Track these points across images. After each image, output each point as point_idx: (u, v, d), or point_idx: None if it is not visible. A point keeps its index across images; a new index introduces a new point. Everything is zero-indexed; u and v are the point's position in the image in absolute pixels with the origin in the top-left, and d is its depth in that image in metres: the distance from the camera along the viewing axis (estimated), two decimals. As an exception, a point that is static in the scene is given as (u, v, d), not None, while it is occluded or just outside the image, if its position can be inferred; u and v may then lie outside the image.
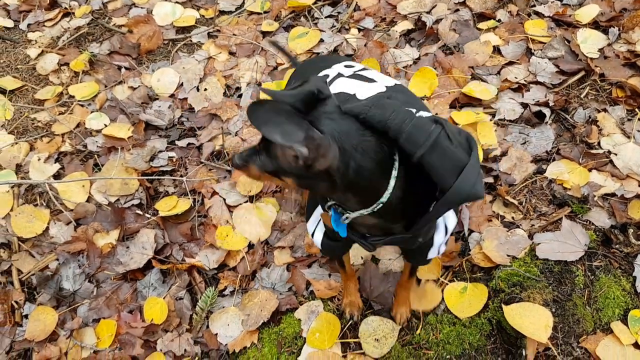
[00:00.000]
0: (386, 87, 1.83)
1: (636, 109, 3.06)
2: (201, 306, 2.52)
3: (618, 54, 3.33)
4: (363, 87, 1.85)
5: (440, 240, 1.82)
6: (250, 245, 2.74)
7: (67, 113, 3.30)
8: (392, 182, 1.36)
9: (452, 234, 1.85)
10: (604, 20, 3.53)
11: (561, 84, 3.23)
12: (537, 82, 3.25)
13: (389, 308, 2.43)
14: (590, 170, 2.82)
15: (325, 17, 3.74)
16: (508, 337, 2.29)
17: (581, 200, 2.69)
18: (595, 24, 3.54)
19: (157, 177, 2.99)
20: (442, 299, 2.42)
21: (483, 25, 3.62)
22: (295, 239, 2.73)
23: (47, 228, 2.86)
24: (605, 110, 3.07)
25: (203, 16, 3.88)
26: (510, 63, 3.39)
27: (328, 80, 1.95)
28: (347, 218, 1.54)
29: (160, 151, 3.13)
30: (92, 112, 3.32)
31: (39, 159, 3.06)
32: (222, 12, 3.85)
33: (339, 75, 1.95)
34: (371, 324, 2.37)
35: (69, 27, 3.78)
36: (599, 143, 2.94)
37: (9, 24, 3.93)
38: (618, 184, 2.76)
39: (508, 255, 2.50)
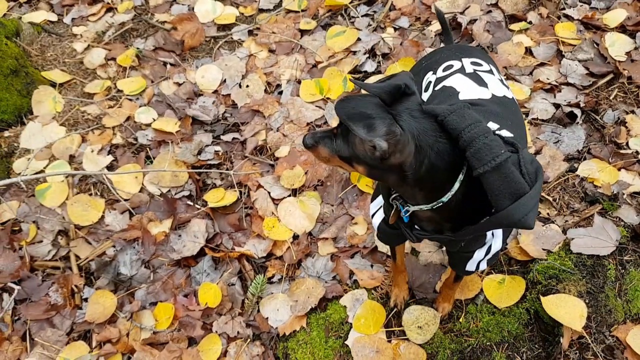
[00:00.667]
0: (492, 94, 1.94)
1: (664, 112, 3.19)
2: (252, 292, 2.68)
3: (646, 57, 3.46)
4: (471, 88, 1.96)
5: (480, 257, 1.94)
6: (295, 236, 2.90)
7: (116, 107, 3.46)
8: (456, 185, 1.48)
9: (494, 256, 1.98)
10: (631, 24, 3.64)
11: (591, 86, 3.36)
12: (567, 84, 3.38)
13: (431, 299, 2.59)
14: (619, 169, 2.96)
15: (362, 16, 3.86)
16: (545, 326, 2.45)
17: (611, 197, 2.83)
18: (622, 28, 3.65)
19: (206, 171, 3.15)
20: (482, 289, 2.57)
21: (515, 26, 3.74)
22: (338, 230, 2.89)
23: (103, 217, 3.02)
24: (633, 112, 3.20)
25: (242, 14, 4.02)
26: (542, 64, 3.51)
27: (450, 70, 2.07)
28: (407, 211, 1.69)
29: (207, 145, 3.28)
30: (140, 106, 3.47)
31: (92, 151, 3.22)
32: (260, 10, 3.98)
33: (461, 69, 2.06)
34: (414, 312, 2.53)
35: (113, 23, 3.93)
36: (627, 143, 3.07)
37: (53, 17, 4.08)
38: (646, 184, 2.90)
39: (543, 249, 2.65)
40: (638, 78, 3.33)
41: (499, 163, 1.33)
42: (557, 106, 3.26)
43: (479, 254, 1.94)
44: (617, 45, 3.52)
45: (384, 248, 2.76)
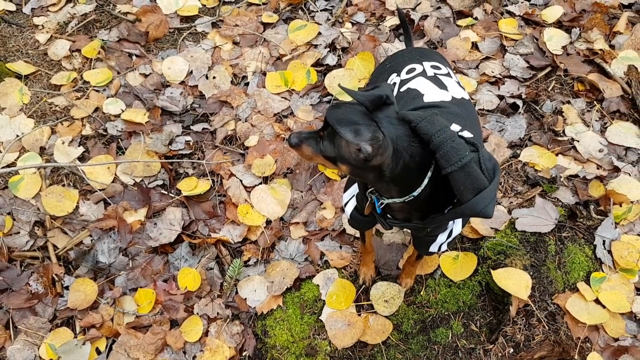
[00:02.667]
0: (452, 97, 2.17)
1: (594, 102, 3.57)
2: (230, 275, 2.87)
3: (579, 51, 3.83)
4: (433, 91, 2.18)
5: (442, 240, 2.19)
6: (268, 222, 3.09)
7: (83, 98, 3.51)
8: (425, 181, 1.72)
9: (454, 239, 2.25)
10: (567, 20, 4.01)
11: (531, 78, 3.70)
12: (510, 77, 3.71)
13: (395, 275, 2.86)
14: (557, 154, 3.31)
15: (321, 11, 4.05)
16: (495, 296, 2.77)
17: (550, 180, 3.18)
18: (559, 24, 4.01)
19: (178, 160, 3.28)
20: (439, 265, 2.86)
21: (462, 22, 4.03)
22: (308, 215, 3.10)
23: (77, 207, 3.11)
24: (569, 102, 3.57)
25: (205, 6, 4.11)
26: (487, 58, 3.82)
27: (413, 74, 2.28)
28: (382, 203, 1.93)
29: (177, 135, 3.41)
30: (107, 97, 3.54)
31: (63, 142, 3.28)
32: (223, 2, 4.09)
33: (423, 72, 2.27)
34: (380, 288, 2.80)
35: (75, 14, 3.94)
36: (563, 131, 3.43)
37: (11, 7, 4.04)
38: (580, 167, 3.26)
39: (492, 228, 2.96)
40: (573, 70, 3.70)
41: (464, 164, 1.57)
42: (501, 97, 3.58)
43: (442, 237, 2.20)
44: (554, 40, 3.88)
45: (351, 231, 3.00)
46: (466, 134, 1.75)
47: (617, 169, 3.24)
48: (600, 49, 3.79)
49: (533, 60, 3.76)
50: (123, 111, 3.48)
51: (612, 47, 3.84)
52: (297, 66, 3.68)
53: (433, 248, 2.29)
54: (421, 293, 2.80)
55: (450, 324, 2.71)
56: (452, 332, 2.69)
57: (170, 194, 3.20)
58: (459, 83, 2.36)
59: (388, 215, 2.04)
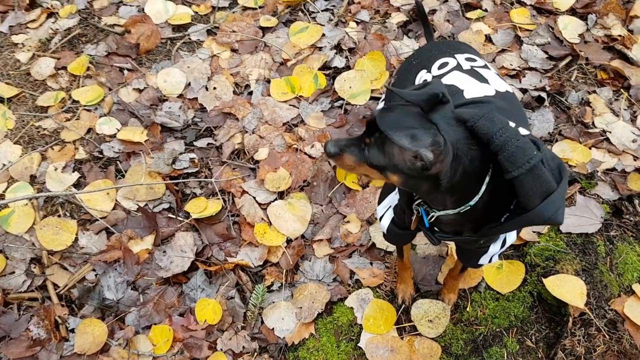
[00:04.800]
0: (496, 91, 1.92)
1: (621, 90, 3.37)
2: (253, 303, 2.59)
3: (597, 38, 3.64)
4: (473, 86, 1.93)
5: (495, 250, 1.95)
6: (289, 240, 2.82)
7: (74, 119, 3.21)
8: (482, 189, 1.49)
9: (507, 248, 2.02)
10: (580, 6, 3.82)
11: (552, 69, 3.49)
12: (530, 68, 3.50)
13: (436, 291, 2.60)
14: (590, 148, 3.09)
15: (322, 11, 3.80)
16: (549, 307, 2.53)
17: (587, 176, 2.96)
18: (572, 11, 3.82)
19: (184, 180, 3.00)
20: (482, 277, 2.62)
21: (471, 14, 3.82)
22: (332, 230, 2.84)
23: (76, 239, 2.81)
24: (594, 92, 3.36)
25: (197, 13, 3.84)
26: (503, 51, 3.60)
27: (446, 69, 2.04)
28: (432, 217, 1.67)
29: (181, 153, 3.12)
30: (100, 116, 3.25)
31: (55, 169, 2.98)
32: (214, 8, 3.83)
33: (458, 66, 2.03)
34: (422, 306, 2.54)
35: (57, 29, 3.64)
36: (593, 122, 3.22)
37: (-14, 26, 3.73)
38: (615, 159, 3.05)
39: (534, 232, 2.73)
40: (594, 58, 3.50)
41: (533, 165, 1.35)
42: (524, 91, 3.36)
43: (494, 248, 1.95)
44: (570, 28, 3.68)
45: (382, 244, 2.74)
46: (522, 130, 1.52)
47: (655, 159, 3.04)
48: (620, 35, 3.60)
49: (552, 50, 3.56)
50: (118, 130, 3.19)
51: (630, 31, 3.65)
52: (303, 71, 3.42)
53: (483, 260, 2.04)
54: (467, 309, 2.54)
55: (503, 342, 2.46)
56: (506, 351, 2.44)
57: (179, 218, 2.91)
58: (498, 75, 2.12)
59: (435, 229, 1.80)
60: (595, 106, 3.27)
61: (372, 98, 3.31)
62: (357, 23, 3.75)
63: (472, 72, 2.03)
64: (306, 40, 3.57)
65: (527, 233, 2.71)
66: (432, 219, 1.69)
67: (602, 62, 3.47)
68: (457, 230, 1.74)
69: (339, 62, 3.49)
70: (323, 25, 3.66)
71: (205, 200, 2.95)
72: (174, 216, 2.91)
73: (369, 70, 3.38)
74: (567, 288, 2.48)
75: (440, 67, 2.11)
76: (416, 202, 1.74)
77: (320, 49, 3.57)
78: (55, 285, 2.70)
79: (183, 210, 2.93)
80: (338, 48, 3.58)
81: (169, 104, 3.32)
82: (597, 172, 2.99)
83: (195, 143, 3.18)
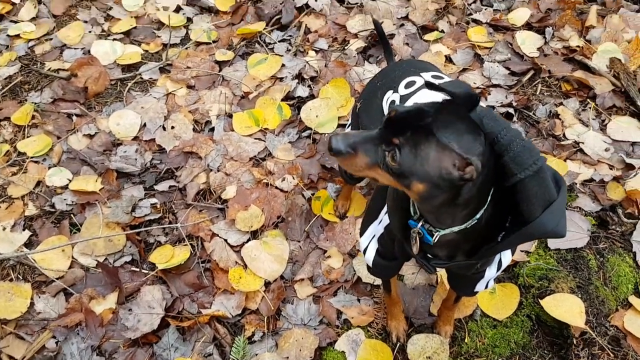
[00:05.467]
0: None
1: (587, 99, 3.35)
2: (234, 358, 2.35)
3: (556, 51, 3.65)
4: None
5: (491, 275, 1.81)
6: (267, 283, 2.61)
7: (20, 173, 2.94)
8: (488, 199, 1.36)
9: (503, 271, 1.87)
10: (535, 21, 3.85)
11: (516, 85, 3.46)
12: (494, 85, 3.45)
13: (430, 323, 2.43)
14: (565, 160, 3.03)
15: (279, 42, 3.68)
16: (550, 330, 2.39)
17: (567, 189, 2.88)
18: (528, 26, 3.84)
19: (146, 229, 2.76)
20: (477, 305, 2.47)
21: (428, 36, 3.78)
22: (312, 268, 2.65)
23: (32, 304, 2.51)
24: (561, 103, 3.33)
25: (147, 51, 3.66)
26: (465, 70, 3.56)
27: (413, 88, 1.91)
28: (436, 236, 1.50)
29: (140, 199, 2.89)
30: (49, 167, 2.99)
31: (3, 228, 2.69)
32: (165, 46, 3.65)
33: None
34: (418, 342, 2.35)
35: (-3, 77, 3.38)
36: (564, 134, 3.18)
37: None
38: (592, 170, 3.00)
39: (522, 251, 2.61)
40: (556, 71, 3.49)
41: (539, 167, 1.22)
42: (491, 108, 3.30)
43: (490, 272, 1.81)
44: (528, 43, 3.69)
45: (368, 278, 2.57)
46: None
47: (630, 167, 3.00)
48: (578, 46, 3.62)
49: (513, 66, 3.54)
50: (70, 181, 2.94)
51: (588, 42, 3.67)
52: (266, 102, 3.27)
53: (480, 287, 1.90)
54: (465, 341, 2.38)
55: (507, 372, 2.30)
56: (512, 381, 2.28)
57: (143, 270, 2.66)
58: None
59: (428, 255, 1.63)
60: (564, 118, 3.24)
61: (339, 125, 3.18)
62: (316, 52, 3.65)
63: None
64: (266, 72, 3.43)
65: (516, 253, 2.59)
66: (436, 239, 1.50)
67: (564, 73, 3.47)
68: (451, 254, 1.58)
69: (302, 91, 3.36)
70: (282, 56, 3.53)
71: (171, 248, 2.71)
72: (137, 269, 2.66)
73: (334, 98, 3.25)
74: (565, 307, 2.36)
75: (407, 86, 1.99)
76: (418, 221, 1.55)
77: (281, 79, 3.44)
78: (12, 358, 2.38)
79: (147, 262, 2.69)
80: (299, 77, 3.45)
81: (124, 147, 3.10)
82: (576, 184, 2.93)
83: (155, 187, 2.96)
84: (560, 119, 3.24)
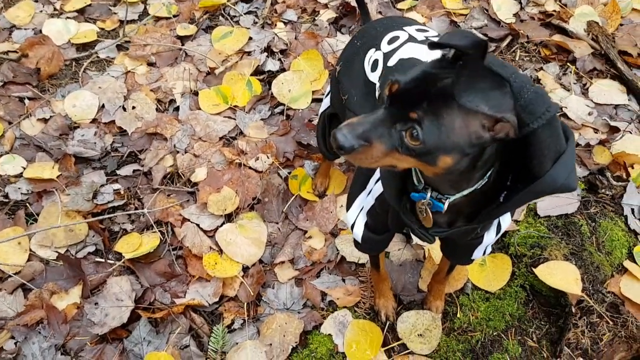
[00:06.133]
0: None
1: (567, 64, 3.25)
2: (214, 348, 2.17)
3: (532, 16, 3.54)
4: (436, 55, 1.67)
5: (490, 240, 1.69)
6: (245, 268, 2.43)
7: (-32, 162, 2.69)
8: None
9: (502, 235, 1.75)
10: (508, -14, 3.71)
11: (494, 51, 3.33)
12: (472, 52, 3.32)
13: (420, 300, 2.30)
14: (549, 126, 2.92)
15: (245, 14, 3.48)
16: (545, 299, 2.29)
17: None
18: (502, -8, 3.71)
19: (110, 216, 2.54)
20: (467, 278, 2.34)
21: (402, 5, 3.62)
22: (293, 250, 2.49)
23: (-14, 303, 2.29)
24: (541, 69, 3.23)
25: (103, 29, 3.40)
26: (441, 37, 3.41)
27: (397, 43, 1.75)
28: (446, 204, 1.35)
29: (102, 185, 2.67)
30: (1, 155, 2.74)
31: (-50, 223, 2.45)
32: (122, 22, 3.40)
33: (411, 38, 1.75)
34: (408, 320, 2.22)
35: (-61, 63, 3.09)
36: (546, 100, 3.06)
37: None
38: (577, 134, 2.90)
39: (511, 220, 2.49)
40: (534, 36, 3.38)
41: (552, 115, 1.08)
42: (471, 76, 3.16)
43: (489, 237, 1.67)
44: (504, 8, 3.57)
45: (352, 257, 2.41)
46: None
47: (615, 130, 2.91)
48: (554, 10, 3.52)
49: (490, 32, 3.41)
50: (25, 169, 2.70)
51: (564, 5, 3.57)
52: (234, 78, 3.06)
53: (477, 253, 1.77)
54: (458, 315, 2.25)
55: (504, 346, 2.18)
56: (509, 355, 2.15)
57: (109, 261, 2.45)
58: None
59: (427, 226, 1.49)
60: (545, 83, 3.13)
61: (314, 100, 3.00)
62: (285, 23, 3.46)
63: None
64: (232, 46, 3.22)
65: (506, 222, 2.47)
66: (445, 206, 1.34)
67: (542, 38, 3.36)
68: (452, 220, 1.45)
69: (273, 65, 3.17)
70: (248, 29, 3.33)
71: (138, 236, 2.51)
72: (102, 260, 2.45)
73: (307, 71, 3.07)
74: (560, 275, 2.24)
75: (390, 42, 1.83)
76: (425, 191, 1.37)
77: (249, 53, 3.23)
78: (-37, 365, 2.17)
79: (113, 252, 2.48)
80: (269, 51, 3.25)
81: (82, 131, 2.86)
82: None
83: (118, 172, 2.74)
84: (541, 84, 3.12)
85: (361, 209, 1.78)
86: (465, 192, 1.30)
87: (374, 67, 1.87)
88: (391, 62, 1.78)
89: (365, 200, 1.75)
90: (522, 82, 1.08)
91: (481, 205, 1.34)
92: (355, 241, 1.89)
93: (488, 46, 1.07)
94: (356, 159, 1.18)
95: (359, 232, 1.80)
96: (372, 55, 1.88)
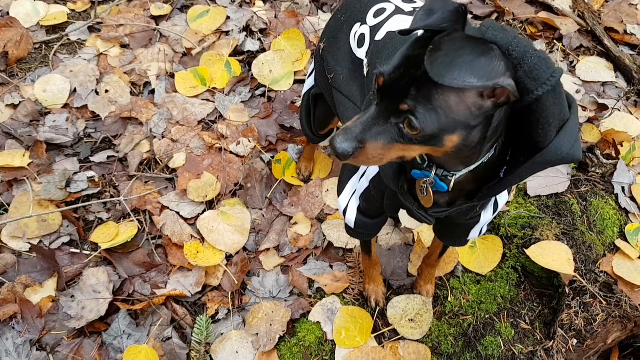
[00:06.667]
0: None
1: (554, 41, 3.19)
2: (198, 339, 2.09)
3: (517, -7, 3.46)
4: None
5: (487, 219, 1.63)
6: (229, 257, 2.34)
7: None
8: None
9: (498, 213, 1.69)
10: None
11: (479, 29, 3.25)
12: (457, 30, 3.24)
13: (410, 284, 2.23)
14: (536, 104, 2.87)
15: (222, -8, 3.35)
16: (537, 280, 2.25)
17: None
18: (486, -31, 3.63)
19: (85, 204, 2.43)
20: (458, 261, 2.28)
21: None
22: (278, 236, 2.40)
23: (-45, 299, 2.16)
24: (528, 46, 3.16)
25: (74, 10, 3.24)
26: (425, 16, 3.33)
27: (384, 15, 1.66)
28: (452, 181, 1.29)
29: (75, 173, 2.55)
30: (-33, 143, 2.60)
31: None
32: (93, 3, 3.25)
33: (398, 10, 1.66)
34: (398, 305, 2.16)
35: None
36: (533, 78, 3.00)
37: None
38: (565, 113, 2.84)
39: (501, 201, 2.43)
40: (520, 13, 3.31)
41: (557, 81, 1.03)
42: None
43: (486, 215, 1.61)
44: (489, -14, 3.48)
45: (339, 242, 2.33)
46: None
47: (603, 107, 2.87)
48: (539, -13, 3.45)
49: (476, 10, 3.34)
50: (-7, 157, 2.56)
51: (548, -17, 3.50)
52: (212, 59, 2.94)
53: (474, 233, 1.72)
54: (449, 299, 2.19)
55: (496, 329, 2.13)
56: (502, 339, 2.11)
57: (85, 252, 2.35)
58: None
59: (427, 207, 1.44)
60: (531, 61, 3.06)
61: (296, 81, 2.90)
62: (264, 2, 3.34)
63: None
64: (209, 25, 3.09)
65: (496, 203, 2.41)
66: (451, 184, 1.30)
67: (528, 16, 3.29)
68: (453, 199, 1.39)
69: (252, 45, 3.06)
70: (226, 7, 3.20)
71: (115, 225, 2.40)
72: (78, 251, 2.34)
73: (288, 51, 2.96)
74: (553, 256, 2.20)
75: (376, 15, 1.74)
76: (429, 169, 1.30)
77: (227, 33, 3.11)
78: None
79: (89, 242, 2.37)
80: (248, 30, 3.14)
81: (53, 117, 2.72)
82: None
83: (92, 158, 2.62)
84: (527, 63, 3.06)
85: (354, 193, 1.70)
86: (472, 167, 1.24)
87: (360, 42, 1.78)
88: (379, 36, 1.70)
89: (359, 183, 1.67)
90: (525, 47, 1.02)
91: (483, 182, 1.29)
92: (347, 227, 1.81)
93: (467, 10, 1.00)
94: (359, 162, 1.14)
95: (351, 217, 1.72)
96: (357, 30, 1.79)
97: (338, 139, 1.09)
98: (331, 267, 2.31)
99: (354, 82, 1.75)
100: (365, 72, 1.71)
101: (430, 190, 1.31)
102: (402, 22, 1.65)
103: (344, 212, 1.73)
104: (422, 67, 0.98)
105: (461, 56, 0.93)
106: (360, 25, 1.78)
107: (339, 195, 1.75)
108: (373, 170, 1.55)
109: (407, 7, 1.72)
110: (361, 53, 1.75)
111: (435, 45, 0.95)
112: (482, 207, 1.55)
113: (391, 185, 1.42)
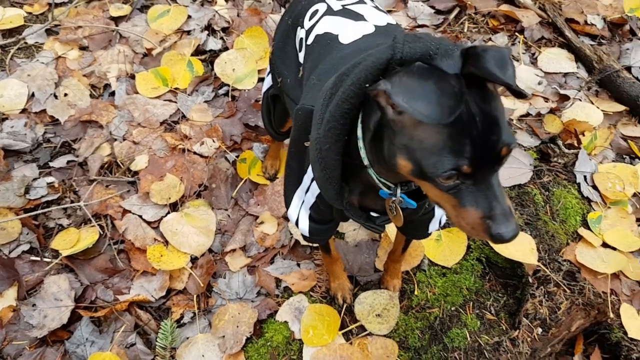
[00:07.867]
0: (375, 26, 1.57)
1: (516, 34, 3.22)
2: (162, 345, 2.05)
3: (479, -13, 3.48)
4: (348, 27, 1.58)
5: (441, 212, 1.64)
6: (194, 259, 2.31)
7: None
8: None
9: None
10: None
11: (442, 23, 3.27)
12: (420, 26, 3.26)
13: (377, 280, 2.23)
14: (499, 97, 2.88)
15: (183, -8, 3.30)
16: (502, 271, 2.26)
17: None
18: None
19: (45, 211, 2.37)
20: (424, 255, 2.28)
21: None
22: (244, 236, 2.38)
23: None
24: (490, 39, 3.18)
25: (31, 13, 3.17)
26: (389, 12, 3.33)
27: (316, 17, 1.65)
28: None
29: (34, 179, 2.49)
30: None
31: None
32: (51, 5, 3.17)
33: (328, 10, 1.65)
34: (365, 301, 2.15)
35: None
36: (495, 71, 3.02)
37: None
38: (527, 104, 2.88)
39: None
40: (482, 7, 3.33)
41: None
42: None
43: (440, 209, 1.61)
44: (451, -20, 3.49)
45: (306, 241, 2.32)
46: None
47: (565, 98, 2.90)
48: (500, -20, 3.47)
49: (438, 4, 3.35)
50: (-53, 165, 2.48)
51: (509, -24, 3.53)
52: (174, 59, 2.90)
53: (433, 226, 1.73)
54: (415, 293, 2.19)
55: (462, 321, 2.13)
56: (467, 330, 2.11)
57: (45, 259, 2.29)
58: (377, 7, 1.76)
59: (373, 214, 1.48)
60: (494, 54, 3.09)
61: (260, 80, 2.88)
62: (226, 0, 3.30)
63: (345, 12, 1.67)
64: (170, 25, 3.05)
65: (461, 196, 2.42)
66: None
67: (490, 9, 3.32)
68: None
69: (214, 44, 3.02)
70: (187, 6, 3.16)
71: (76, 231, 2.35)
72: (38, 258, 2.29)
73: (251, 49, 2.94)
74: (516, 246, 2.22)
75: (311, 17, 1.73)
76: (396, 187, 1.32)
77: (188, 32, 3.07)
78: None
79: (49, 249, 2.32)
80: (210, 29, 3.10)
81: (11, 122, 2.66)
82: (512, 120, 2.80)
83: (51, 164, 2.56)
84: (490, 55, 3.08)
85: (302, 203, 1.68)
86: None
87: (300, 46, 1.78)
88: (309, 40, 1.69)
89: (305, 196, 1.64)
90: (446, 45, 1.07)
91: None
92: (303, 235, 1.79)
93: None
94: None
95: (304, 226, 1.69)
96: (299, 33, 1.79)
97: (506, 229, 1.09)
98: (298, 265, 2.29)
99: (300, 87, 1.73)
100: (299, 76, 1.72)
101: (399, 209, 1.31)
102: (329, 24, 1.64)
103: (296, 222, 1.71)
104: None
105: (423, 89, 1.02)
106: (300, 28, 1.78)
107: (287, 208, 1.72)
108: (315, 187, 1.53)
109: (337, 6, 1.71)
110: (301, 57, 1.75)
111: (397, 82, 1.03)
112: (430, 203, 1.55)
113: (335, 205, 1.42)
